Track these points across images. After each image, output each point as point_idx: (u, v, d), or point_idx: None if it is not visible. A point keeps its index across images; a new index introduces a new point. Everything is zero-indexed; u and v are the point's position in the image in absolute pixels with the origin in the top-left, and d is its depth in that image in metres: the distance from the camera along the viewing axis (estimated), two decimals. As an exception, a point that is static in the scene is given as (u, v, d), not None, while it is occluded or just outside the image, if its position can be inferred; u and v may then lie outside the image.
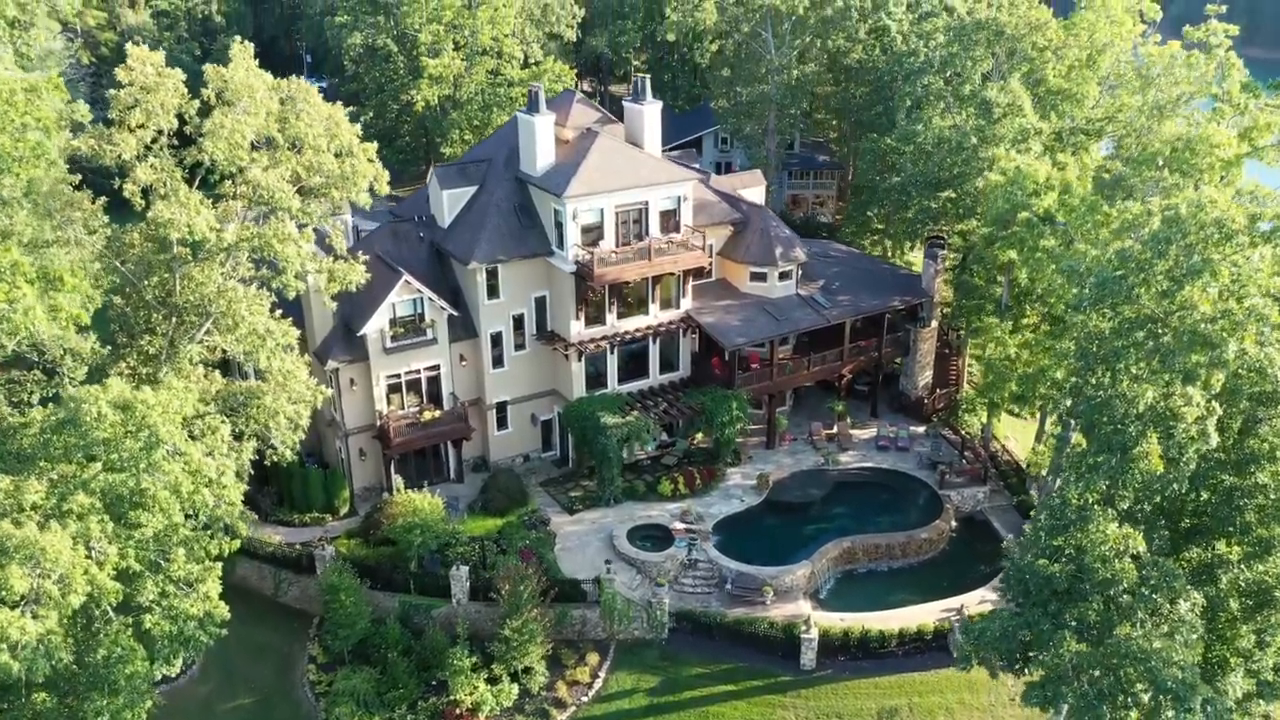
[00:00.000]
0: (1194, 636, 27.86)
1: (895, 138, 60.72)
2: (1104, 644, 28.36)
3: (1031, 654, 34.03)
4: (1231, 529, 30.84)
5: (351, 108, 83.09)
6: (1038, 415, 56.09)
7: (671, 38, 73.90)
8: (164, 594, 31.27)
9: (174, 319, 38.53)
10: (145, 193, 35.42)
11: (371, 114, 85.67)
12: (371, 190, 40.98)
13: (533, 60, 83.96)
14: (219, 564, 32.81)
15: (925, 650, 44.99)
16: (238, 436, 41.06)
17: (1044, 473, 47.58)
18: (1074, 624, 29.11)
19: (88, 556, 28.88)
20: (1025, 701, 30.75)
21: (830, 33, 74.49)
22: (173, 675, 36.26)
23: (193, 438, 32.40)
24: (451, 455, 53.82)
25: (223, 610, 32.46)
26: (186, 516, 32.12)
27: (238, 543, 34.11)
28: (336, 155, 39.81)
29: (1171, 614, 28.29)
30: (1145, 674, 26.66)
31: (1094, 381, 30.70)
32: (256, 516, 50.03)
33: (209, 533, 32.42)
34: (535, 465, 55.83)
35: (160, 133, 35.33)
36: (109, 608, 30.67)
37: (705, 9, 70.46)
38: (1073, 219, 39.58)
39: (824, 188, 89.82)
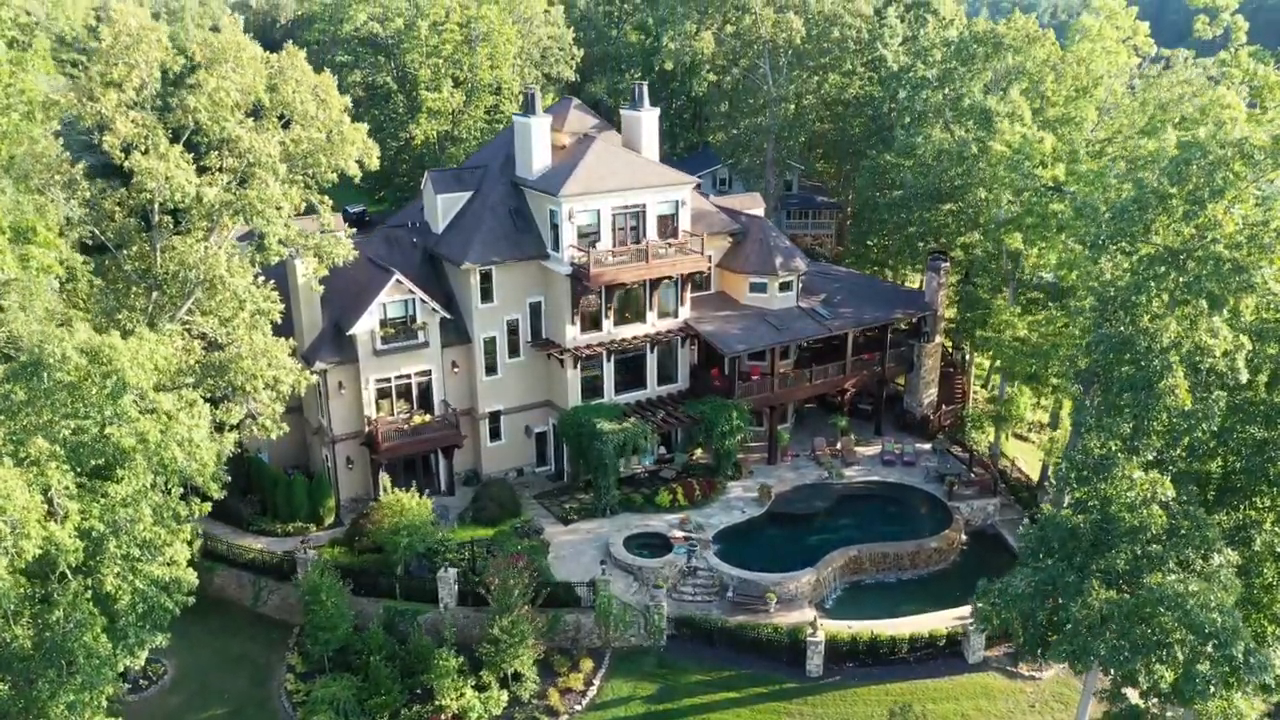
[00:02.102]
0: (1232, 581, 25.85)
1: (895, 152, 60.25)
2: (1135, 593, 26.35)
3: (1052, 638, 32.07)
4: (1264, 485, 29.02)
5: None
6: (1049, 413, 54.34)
7: (669, 66, 74.04)
8: (127, 556, 29.27)
9: (153, 293, 37.23)
10: (126, 153, 34.41)
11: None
12: (361, 164, 39.98)
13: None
14: (188, 526, 30.91)
15: (938, 656, 42.67)
16: (219, 428, 39.53)
17: (1058, 467, 45.67)
18: (1101, 574, 27.09)
19: (45, 503, 27.07)
20: (1053, 657, 28.53)
21: (827, 71, 74.74)
22: (138, 666, 33.86)
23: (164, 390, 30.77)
24: (442, 466, 51.99)
25: (190, 577, 30.48)
26: (155, 475, 30.38)
27: (208, 506, 32.25)
28: (327, 136, 38.98)
29: (1205, 570, 26.34)
30: (1182, 619, 24.60)
31: (1112, 327, 29.18)
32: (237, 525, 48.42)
33: (179, 494, 30.55)
34: (529, 479, 53.91)
35: (144, 85, 34.47)
36: (67, 569, 28.70)
37: (703, 38, 70.76)
38: (1081, 186, 38.52)
39: (822, 227, 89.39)
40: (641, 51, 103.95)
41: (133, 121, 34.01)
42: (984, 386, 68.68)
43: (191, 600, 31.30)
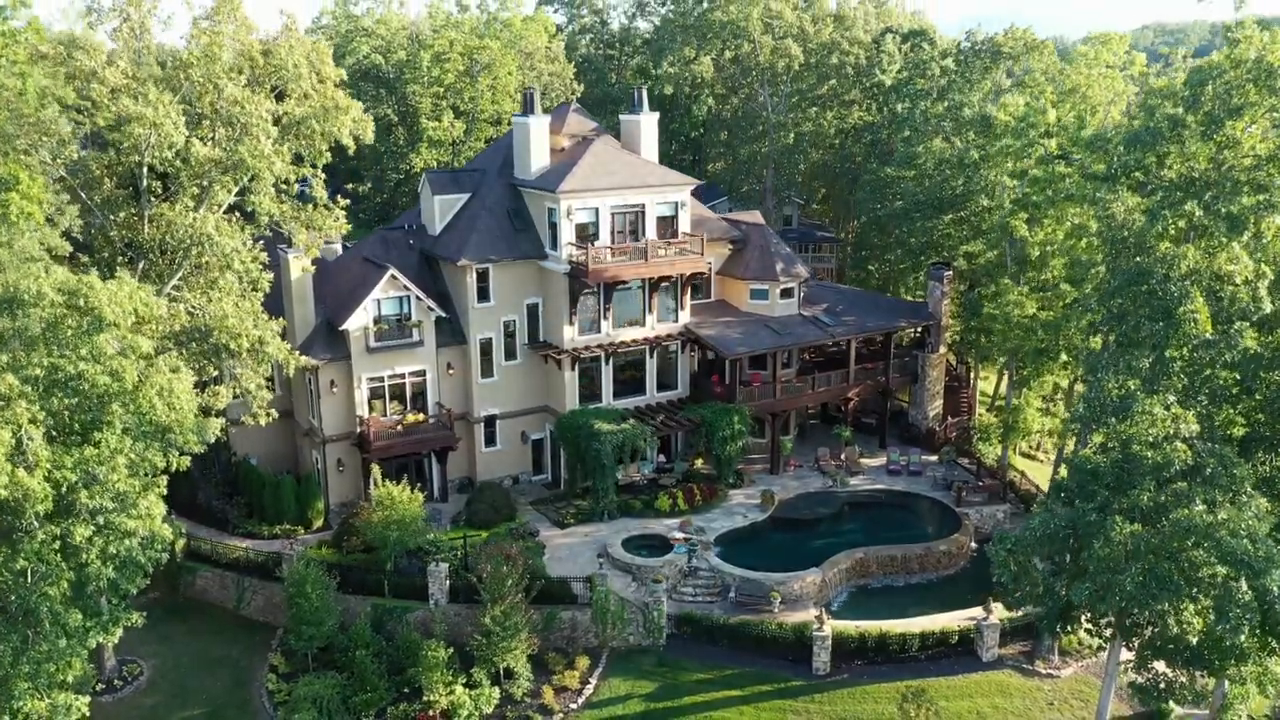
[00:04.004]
0: (1264, 511, 24.40)
1: (895, 163, 59.94)
2: (1160, 528, 24.87)
3: (1075, 611, 30.59)
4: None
5: (350, 185, 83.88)
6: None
7: (669, 90, 74.40)
8: (100, 511, 27.83)
9: (140, 263, 36.30)
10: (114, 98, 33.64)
11: (370, 185, 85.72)
12: (357, 138, 39.37)
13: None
14: (163, 479, 29.52)
15: (951, 655, 40.81)
16: (204, 412, 38.32)
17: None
18: (1124, 513, 25.62)
19: (16, 449, 25.80)
20: (1075, 597, 26.80)
21: (825, 106, 75.11)
22: (113, 643, 32.26)
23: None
24: (436, 471, 50.55)
25: (166, 532, 29.01)
26: (134, 439, 29.10)
27: (186, 460, 30.87)
28: (324, 110, 38.49)
29: (1236, 503, 24.91)
30: (1213, 549, 23.09)
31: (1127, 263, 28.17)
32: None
33: (155, 443, 29.21)
34: (525, 488, 52.39)
35: (137, 37, 33.97)
36: (35, 520, 27.25)
37: (702, 62, 71.16)
38: (1087, 154, 37.85)
39: (822, 261, 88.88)
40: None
41: (122, 73, 33.49)
42: (989, 410, 67.48)
43: (165, 556, 29.81)
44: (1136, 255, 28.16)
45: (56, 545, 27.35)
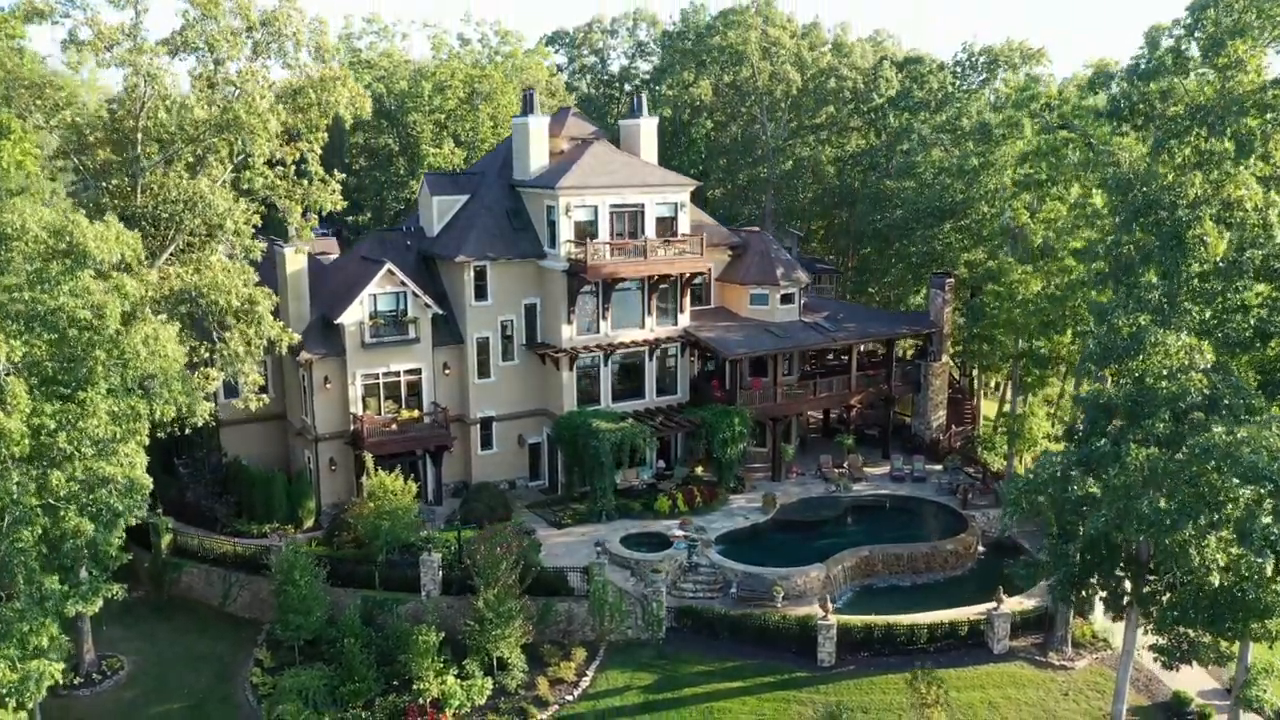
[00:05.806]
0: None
1: (895, 173, 59.90)
2: (1176, 457, 23.88)
3: (1089, 581, 29.47)
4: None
5: (350, 218, 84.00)
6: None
7: (667, 113, 74.78)
8: (78, 458, 26.90)
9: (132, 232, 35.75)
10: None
11: (370, 216, 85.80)
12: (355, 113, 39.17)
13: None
14: (143, 427, 28.58)
15: (960, 647, 39.41)
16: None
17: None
18: (1139, 443, 24.67)
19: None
20: (1092, 526, 25.60)
21: (824, 140, 75.49)
22: (93, 612, 31.00)
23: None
24: (431, 474, 49.46)
25: (146, 481, 27.99)
26: (117, 396, 28.28)
27: (171, 409, 29.95)
28: (322, 80, 38.32)
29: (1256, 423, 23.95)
30: (1233, 467, 22.11)
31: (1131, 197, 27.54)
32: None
33: (138, 393, 28.36)
34: (521, 492, 51.23)
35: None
36: (9, 462, 26.30)
37: (701, 86, 71.65)
38: (1092, 125, 37.55)
39: (822, 293, 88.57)
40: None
41: (117, 29, 33.37)
42: (994, 429, 66.48)
43: (145, 512, 28.70)
44: (1143, 187, 27.61)
45: (32, 489, 26.33)
